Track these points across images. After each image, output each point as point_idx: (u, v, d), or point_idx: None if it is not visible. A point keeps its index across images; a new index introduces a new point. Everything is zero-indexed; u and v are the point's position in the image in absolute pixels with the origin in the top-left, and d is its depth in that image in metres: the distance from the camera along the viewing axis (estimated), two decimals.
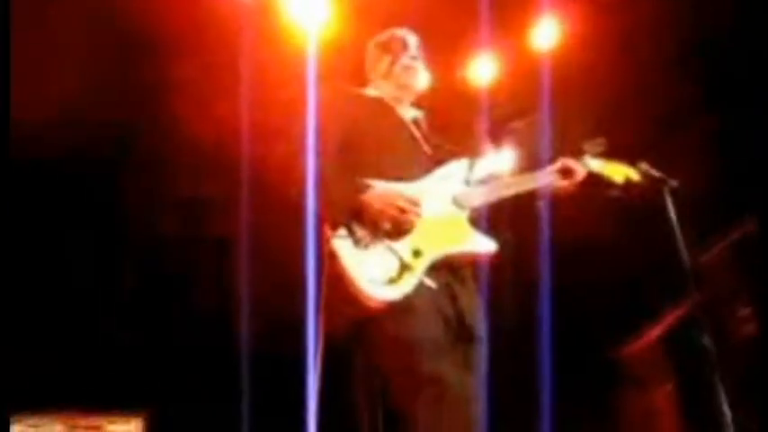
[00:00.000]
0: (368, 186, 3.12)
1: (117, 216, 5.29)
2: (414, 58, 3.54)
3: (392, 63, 3.54)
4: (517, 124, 5.74)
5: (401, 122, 3.42)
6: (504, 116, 5.89)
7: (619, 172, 3.47)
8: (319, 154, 3.11)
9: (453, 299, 3.18)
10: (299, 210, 3.09)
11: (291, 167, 3.10)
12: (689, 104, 5.42)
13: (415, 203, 3.10)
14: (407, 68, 3.52)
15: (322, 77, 3.62)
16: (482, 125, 5.51)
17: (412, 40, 3.54)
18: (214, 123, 5.37)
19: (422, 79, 3.56)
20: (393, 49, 3.57)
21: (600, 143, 3.48)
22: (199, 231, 5.85)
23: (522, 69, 5.88)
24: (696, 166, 4.08)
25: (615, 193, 3.42)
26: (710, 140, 5.16)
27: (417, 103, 3.59)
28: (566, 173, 3.39)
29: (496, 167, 3.42)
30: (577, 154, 3.46)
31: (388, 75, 3.53)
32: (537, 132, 5.38)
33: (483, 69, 6.02)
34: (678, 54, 5.34)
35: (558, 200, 3.40)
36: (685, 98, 5.38)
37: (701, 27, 5.00)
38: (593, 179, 3.40)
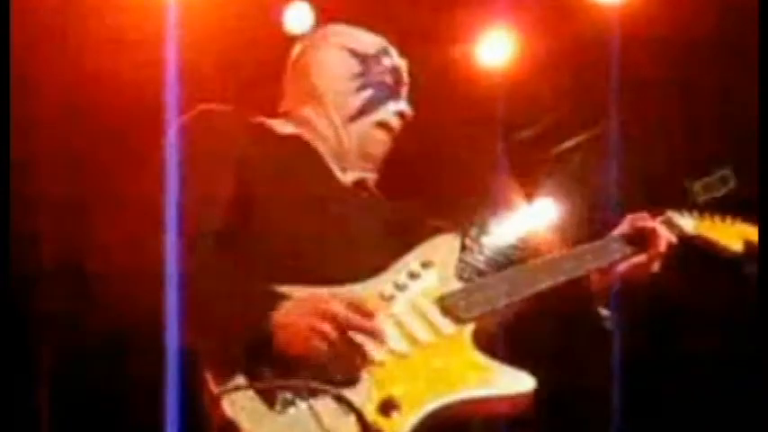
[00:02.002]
0: (284, 297, 2.38)
1: None
2: (401, 115, 2.79)
3: (367, 107, 2.74)
4: (564, 148, 4.89)
5: (337, 185, 2.71)
6: (538, 136, 5.04)
7: (732, 233, 2.83)
8: (190, 235, 2.40)
9: None
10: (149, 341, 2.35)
11: (136, 263, 2.38)
12: None
13: (375, 333, 2.34)
14: (384, 128, 2.76)
15: (194, 98, 2.70)
16: (495, 159, 4.66)
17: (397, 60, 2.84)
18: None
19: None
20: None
21: (723, 179, 2.89)
22: None
23: (569, 47, 4.80)
24: None
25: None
26: None
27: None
28: (638, 238, 2.69)
29: (520, 237, 2.84)
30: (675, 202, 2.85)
31: (348, 122, 2.74)
32: (598, 163, 4.54)
33: (495, 50, 4.92)
34: None
35: (634, 293, 2.71)
36: None
37: None
38: (693, 249, 2.78)
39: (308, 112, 2.76)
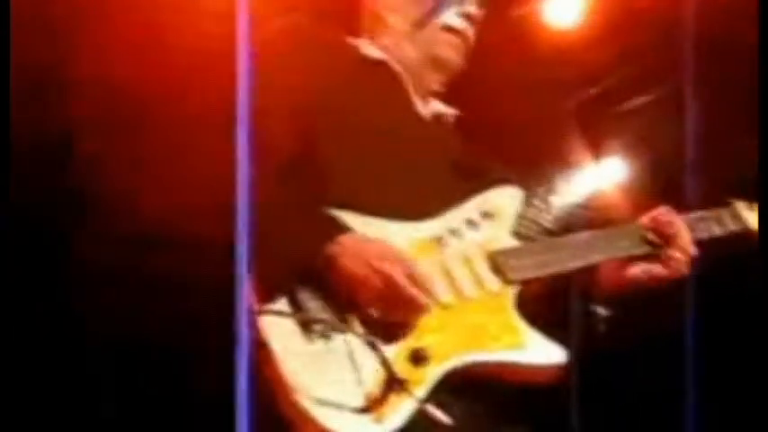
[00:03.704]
0: (343, 229, 2.38)
1: None
2: (468, 16, 2.70)
3: (430, 12, 2.67)
4: (634, 106, 4.66)
5: (415, 117, 2.67)
6: (609, 92, 4.77)
7: None
8: (256, 156, 2.22)
9: None
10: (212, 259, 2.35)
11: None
12: None
13: (422, 284, 2.31)
14: (451, 31, 2.67)
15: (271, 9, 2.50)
16: (565, 112, 4.46)
17: None
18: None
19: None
20: None
21: None
22: None
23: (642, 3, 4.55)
24: None
25: None
26: None
27: (446, 93, 2.76)
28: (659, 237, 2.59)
29: (588, 197, 2.78)
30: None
31: (413, 31, 2.69)
32: (672, 120, 4.15)
33: (565, 6, 4.74)
34: None
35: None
36: None
37: None
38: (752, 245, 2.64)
39: (376, 27, 2.74)
